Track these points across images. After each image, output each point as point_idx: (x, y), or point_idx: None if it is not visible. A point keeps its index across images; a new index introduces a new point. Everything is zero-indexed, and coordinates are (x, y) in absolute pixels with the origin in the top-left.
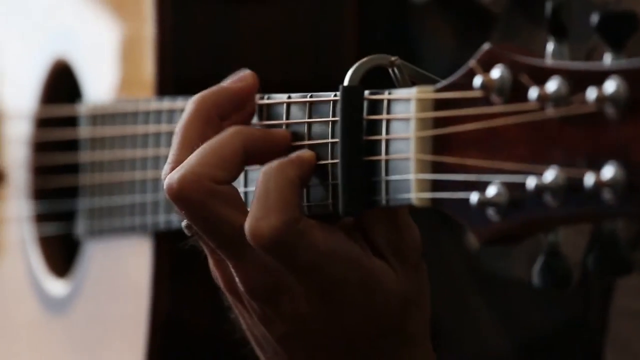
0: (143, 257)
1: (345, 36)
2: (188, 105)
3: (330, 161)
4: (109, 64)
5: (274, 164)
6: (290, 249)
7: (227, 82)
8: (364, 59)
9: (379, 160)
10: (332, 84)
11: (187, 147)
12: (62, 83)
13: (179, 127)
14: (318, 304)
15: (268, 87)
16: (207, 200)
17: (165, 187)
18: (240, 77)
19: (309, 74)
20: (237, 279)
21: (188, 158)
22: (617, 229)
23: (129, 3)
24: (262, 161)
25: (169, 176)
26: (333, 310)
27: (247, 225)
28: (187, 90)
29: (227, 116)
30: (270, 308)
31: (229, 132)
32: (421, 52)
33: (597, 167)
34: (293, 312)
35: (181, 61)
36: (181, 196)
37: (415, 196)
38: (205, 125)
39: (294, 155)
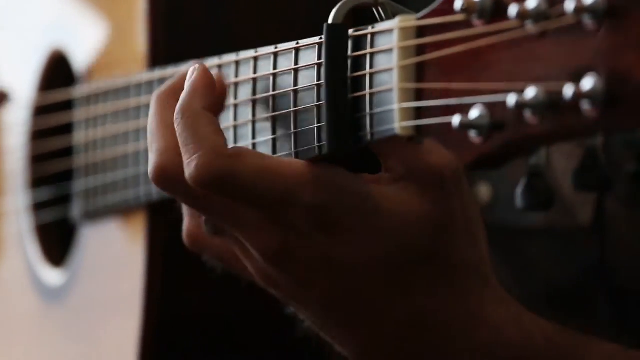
0: (137, 237)
1: None
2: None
3: (315, 104)
4: (100, 45)
5: (177, 106)
6: (231, 178)
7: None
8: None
9: (364, 95)
10: None
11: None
12: (59, 73)
13: (149, 125)
14: (326, 244)
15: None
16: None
17: (151, 178)
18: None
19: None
20: (254, 251)
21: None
22: (597, 144)
23: None
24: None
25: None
26: (345, 246)
27: (185, 172)
28: (181, 59)
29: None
30: (289, 269)
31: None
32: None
33: (576, 80)
34: (307, 263)
35: (173, 34)
36: (162, 181)
37: (399, 125)
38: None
39: (186, 86)
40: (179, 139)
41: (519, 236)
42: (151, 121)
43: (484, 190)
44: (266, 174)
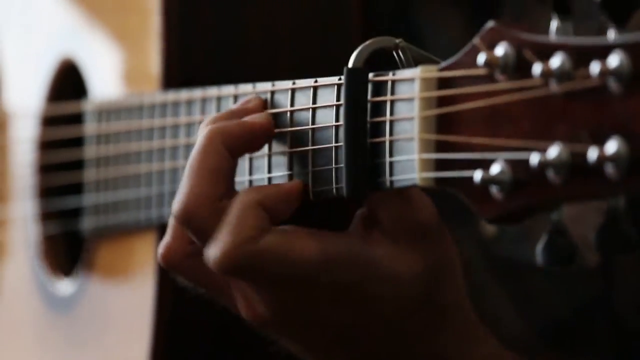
0: (147, 251)
1: (351, 29)
2: (200, 133)
3: (334, 144)
4: (114, 60)
5: (241, 195)
6: (254, 268)
7: (242, 115)
8: (369, 41)
9: (383, 142)
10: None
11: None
12: (68, 82)
13: (191, 159)
14: (336, 314)
15: (281, 71)
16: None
17: (175, 214)
18: (256, 115)
19: (317, 67)
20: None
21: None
22: (621, 206)
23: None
24: (250, 151)
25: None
26: (354, 313)
27: (209, 252)
28: (193, 83)
29: (236, 152)
30: (285, 332)
31: (207, 136)
32: (428, 41)
33: (600, 142)
34: (306, 326)
35: (187, 54)
36: (185, 221)
37: (419, 176)
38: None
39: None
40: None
41: (524, 270)
42: (195, 157)
43: (489, 225)
44: (290, 260)
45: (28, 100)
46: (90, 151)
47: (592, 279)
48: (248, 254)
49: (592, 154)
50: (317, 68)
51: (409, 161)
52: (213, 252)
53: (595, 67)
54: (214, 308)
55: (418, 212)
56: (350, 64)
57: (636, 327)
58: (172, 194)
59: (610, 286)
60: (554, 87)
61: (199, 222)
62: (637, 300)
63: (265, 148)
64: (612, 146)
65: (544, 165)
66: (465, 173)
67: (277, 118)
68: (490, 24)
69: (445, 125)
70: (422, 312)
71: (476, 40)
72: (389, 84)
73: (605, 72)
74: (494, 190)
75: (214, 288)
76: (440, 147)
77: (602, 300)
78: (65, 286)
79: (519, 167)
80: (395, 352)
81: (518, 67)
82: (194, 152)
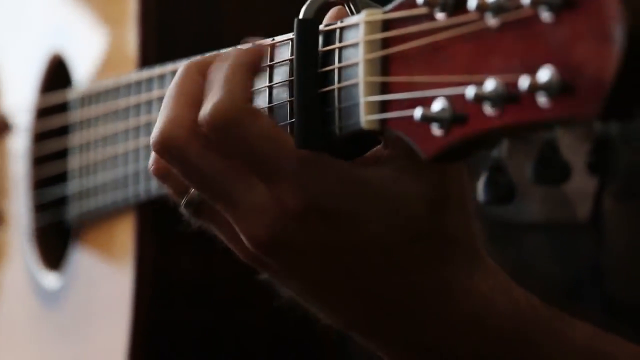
0: (127, 234)
1: None
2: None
3: (288, 100)
4: (96, 48)
5: (222, 54)
6: (241, 128)
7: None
8: None
9: (333, 90)
10: None
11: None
12: (58, 77)
13: (167, 90)
14: (323, 230)
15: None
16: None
17: (152, 143)
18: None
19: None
20: (242, 236)
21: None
22: (556, 136)
23: None
24: None
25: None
26: (344, 232)
27: (201, 111)
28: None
29: None
30: (280, 256)
31: (182, 67)
32: None
33: (533, 72)
34: (301, 249)
35: (164, 34)
36: (163, 147)
37: (364, 119)
38: (191, 84)
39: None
40: (209, 80)
41: (517, 231)
42: (171, 87)
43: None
44: (276, 139)
45: (24, 96)
46: (74, 138)
47: (583, 237)
48: (240, 110)
49: (524, 82)
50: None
51: (355, 106)
52: (206, 107)
53: None
54: (193, 300)
55: None
56: (301, 15)
57: (623, 296)
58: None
59: (601, 244)
60: (490, 20)
61: (177, 148)
62: (626, 254)
63: None
64: (544, 75)
65: (480, 97)
66: (407, 112)
67: None
68: None
69: (389, 67)
70: (425, 241)
71: None
72: (337, 32)
73: (536, 1)
74: (434, 127)
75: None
76: (385, 89)
77: (593, 260)
78: (54, 279)
79: (457, 102)
80: (398, 283)
81: (456, 3)
82: (171, 84)
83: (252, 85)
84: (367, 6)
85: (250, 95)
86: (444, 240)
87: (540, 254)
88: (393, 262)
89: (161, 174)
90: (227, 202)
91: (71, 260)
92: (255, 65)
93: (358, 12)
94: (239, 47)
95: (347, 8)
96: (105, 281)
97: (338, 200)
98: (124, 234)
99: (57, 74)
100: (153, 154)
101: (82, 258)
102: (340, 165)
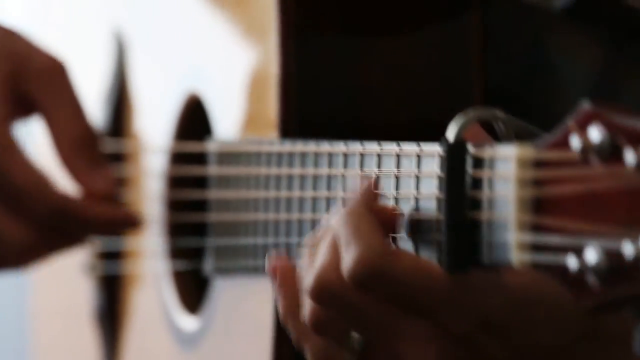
0: (265, 299)
1: (472, 71)
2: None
3: (433, 217)
4: (236, 101)
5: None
6: (388, 275)
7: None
8: (468, 113)
9: (481, 218)
10: None
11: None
12: (194, 118)
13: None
14: (490, 344)
15: (397, 128)
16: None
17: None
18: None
19: (438, 111)
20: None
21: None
22: None
23: (257, 34)
24: None
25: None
26: (514, 342)
27: (343, 270)
28: (312, 130)
29: None
30: None
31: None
32: (561, 74)
33: None
34: None
35: (306, 99)
36: (321, 295)
37: (515, 257)
38: None
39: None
40: (340, 238)
41: None
42: (321, 232)
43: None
44: (423, 274)
45: (157, 133)
46: (213, 193)
47: None
48: (381, 257)
49: None
50: (433, 126)
51: (503, 240)
52: (347, 265)
53: None
54: None
55: None
56: (450, 137)
57: None
58: (287, 245)
59: None
60: None
61: (335, 294)
62: None
63: None
64: None
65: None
66: (560, 257)
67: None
68: (585, 105)
69: (541, 207)
70: (584, 343)
71: (570, 122)
72: (487, 159)
73: None
74: (590, 278)
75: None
76: (536, 228)
77: None
78: (192, 322)
79: (614, 255)
80: None
81: (612, 153)
82: (321, 228)
83: (379, 226)
84: (520, 130)
85: (382, 238)
86: (602, 342)
87: None
88: None
89: (320, 325)
90: (393, 341)
91: (209, 307)
92: (374, 203)
93: (508, 132)
94: (355, 186)
95: (497, 128)
96: (241, 336)
97: (501, 313)
98: (263, 294)
99: (193, 115)
100: (308, 305)
101: (220, 306)
102: (493, 279)
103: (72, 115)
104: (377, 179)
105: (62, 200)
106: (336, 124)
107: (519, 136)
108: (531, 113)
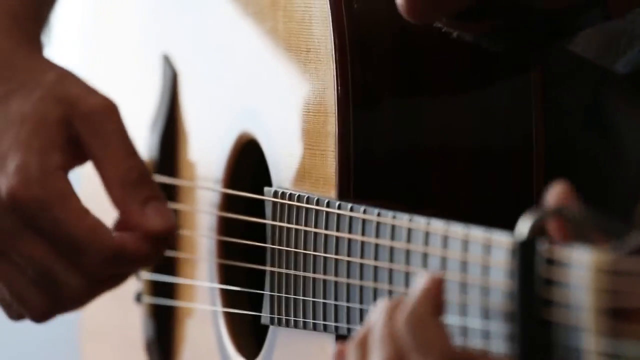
0: (326, 351)
1: (535, 128)
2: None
3: (503, 309)
4: (293, 152)
5: (406, 313)
6: None
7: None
8: (538, 210)
9: (552, 319)
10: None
11: None
12: (248, 157)
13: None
14: None
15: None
16: None
17: None
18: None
19: (499, 178)
20: None
21: None
22: None
23: (316, 100)
24: None
25: None
26: None
27: None
28: (368, 191)
29: None
30: None
31: None
32: (627, 140)
33: None
34: None
35: (363, 159)
36: None
37: None
38: None
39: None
40: (407, 345)
41: None
42: (376, 330)
43: None
44: None
45: (209, 169)
46: (268, 241)
47: None
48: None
49: None
50: (500, 171)
51: (578, 347)
52: None
53: None
54: None
55: None
56: (520, 235)
57: None
58: (348, 309)
59: None
60: None
61: None
62: None
63: None
64: None
65: None
66: None
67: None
68: None
69: (617, 316)
70: None
71: None
72: (559, 261)
73: None
74: None
75: None
76: (611, 335)
77: None
78: None
79: None
80: None
81: None
82: (374, 324)
83: (446, 328)
84: (598, 227)
85: (450, 343)
86: None
87: None
88: None
89: None
90: None
91: (266, 353)
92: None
93: (584, 230)
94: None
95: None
96: None
97: None
98: (322, 349)
99: (246, 154)
100: None
101: (278, 353)
102: None
103: (121, 156)
104: (443, 277)
105: (116, 247)
106: (392, 186)
107: (597, 231)
108: (589, 167)
